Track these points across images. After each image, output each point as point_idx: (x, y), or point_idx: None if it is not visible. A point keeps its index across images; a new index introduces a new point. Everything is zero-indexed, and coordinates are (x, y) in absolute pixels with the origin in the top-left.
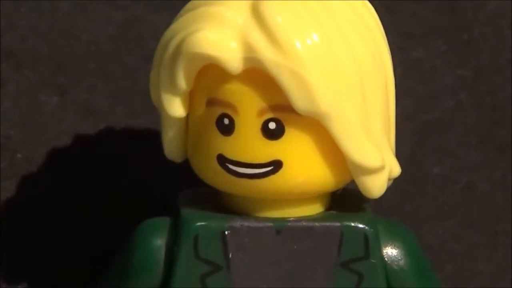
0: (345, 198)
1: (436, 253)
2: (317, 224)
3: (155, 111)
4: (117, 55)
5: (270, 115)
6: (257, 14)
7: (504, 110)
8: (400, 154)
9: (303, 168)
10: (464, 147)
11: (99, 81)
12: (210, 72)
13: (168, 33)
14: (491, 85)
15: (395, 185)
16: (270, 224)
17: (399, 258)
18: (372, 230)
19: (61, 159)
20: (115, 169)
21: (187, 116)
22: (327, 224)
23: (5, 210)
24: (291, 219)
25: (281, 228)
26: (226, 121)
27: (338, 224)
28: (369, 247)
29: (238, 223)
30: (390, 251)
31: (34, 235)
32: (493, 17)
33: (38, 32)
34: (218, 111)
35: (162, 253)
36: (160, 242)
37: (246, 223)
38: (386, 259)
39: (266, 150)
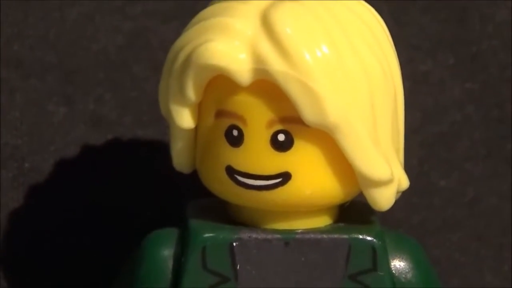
0: (353, 210)
1: (443, 266)
2: (325, 236)
3: (164, 122)
4: (126, 65)
5: (279, 126)
6: (266, 25)
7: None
8: (407, 167)
9: (311, 180)
10: (471, 160)
11: (107, 91)
12: (219, 84)
13: (177, 44)
14: (499, 98)
15: (402, 197)
16: (278, 236)
17: (407, 270)
18: (380, 242)
19: (69, 169)
20: (123, 179)
21: (196, 127)
22: (335, 236)
23: (12, 220)
24: (299, 231)
25: (289, 240)
26: (235, 132)
27: (346, 236)
28: (377, 259)
29: (246, 234)
30: (398, 264)
31: (41, 245)
32: (501, 30)
33: (46, 41)
34: (227, 122)
35: (169, 263)
36: (168, 253)
37: (254, 235)
38: (394, 271)
39: (275, 162)
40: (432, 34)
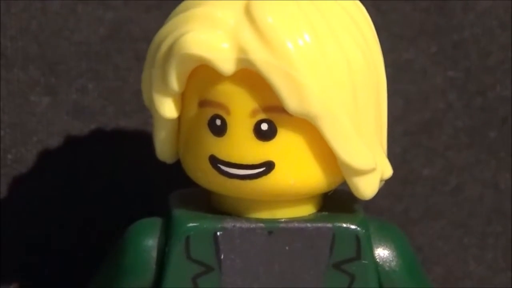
0: (337, 199)
1: (426, 254)
2: (309, 225)
3: (146, 112)
4: (108, 56)
5: (262, 116)
6: (248, 15)
7: (494, 111)
8: (390, 155)
9: (295, 169)
10: (454, 148)
11: (90, 82)
12: (202, 73)
13: (160, 34)
14: (481, 86)
15: (386, 186)
16: (262, 225)
17: (391, 259)
18: (363, 231)
19: (52, 160)
20: (106, 169)
21: (179, 117)
22: (319, 225)
23: None
24: (283, 220)
25: (273, 229)
26: (218, 122)
27: (330, 225)
28: (360, 248)
29: (230, 224)
30: (382, 252)
31: (24, 236)
32: (483, 18)
33: (28, 32)
34: (210, 112)
35: (153, 253)
36: (151, 243)
37: (238, 224)
38: (377, 260)
39: (258, 151)
40: (414, 22)
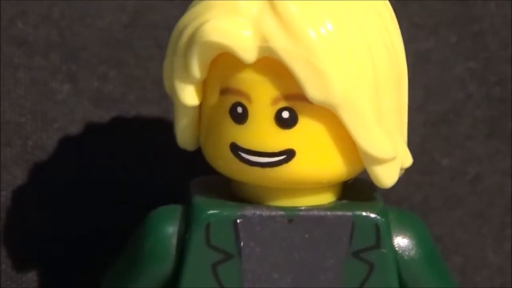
0: (356, 187)
1: (445, 244)
2: (328, 213)
3: (167, 100)
4: (129, 43)
5: (283, 104)
6: (271, 3)
7: None
8: (409, 145)
9: (315, 157)
10: (473, 138)
11: (111, 69)
12: (224, 61)
13: (182, 22)
14: (500, 76)
15: (405, 175)
16: (282, 213)
17: (410, 248)
18: (383, 219)
19: (73, 147)
20: (127, 157)
21: (200, 105)
22: (339, 213)
23: (15, 197)
24: (303, 208)
25: (293, 217)
26: (239, 109)
27: (349, 213)
28: (380, 236)
29: (250, 211)
30: (401, 241)
31: (45, 222)
32: (503, 8)
33: (50, 19)
34: (232, 99)
35: (174, 240)
36: (172, 230)
37: (258, 212)
38: (397, 248)
39: (279, 139)
40: (435, 12)
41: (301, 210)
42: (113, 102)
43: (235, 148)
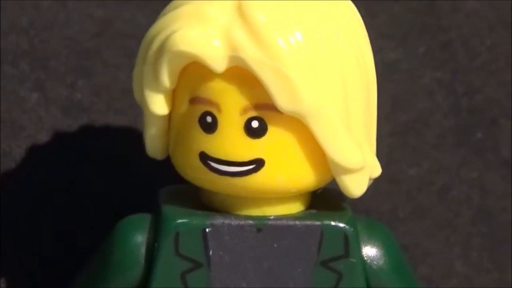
0: (325, 197)
1: (412, 254)
2: (297, 222)
3: (136, 108)
4: (98, 52)
5: (253, 113)
6: (240, 12)
7: (481, 112)
8: (377, 154)
9: (285, 166)
10: (440, 148)
11: (80, 78)
12: (194, 70)
13: (152, 30)
14: (468, 87)
15: (373, 185)
16: (251, 222)
17: (378, 257)
18: (352, 229)
19: (41, 155)
20: (95, 166)
21: (170, 114)
22: (308, 223)
23: None
24: (272, 217)
25: (262, 226)
26: (209, 119)
27: (318, 223)
28: (348, 246)
29: (219, 220)
30: (370, 250)
31: (11, 230)
32: (471, 19)
33: (19, 28)
34: (201, 109)
35: (142, 249)
36: (141, 239)
37: (227, 221)
38: (365, 258)
39: (248, 149)
40: (403, 23)
41: (270, 219)
42: (82, 111)
43: (204, 157)
